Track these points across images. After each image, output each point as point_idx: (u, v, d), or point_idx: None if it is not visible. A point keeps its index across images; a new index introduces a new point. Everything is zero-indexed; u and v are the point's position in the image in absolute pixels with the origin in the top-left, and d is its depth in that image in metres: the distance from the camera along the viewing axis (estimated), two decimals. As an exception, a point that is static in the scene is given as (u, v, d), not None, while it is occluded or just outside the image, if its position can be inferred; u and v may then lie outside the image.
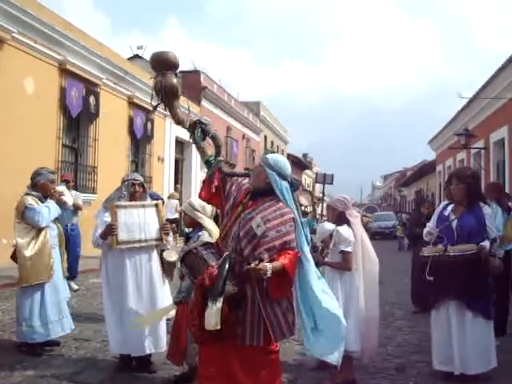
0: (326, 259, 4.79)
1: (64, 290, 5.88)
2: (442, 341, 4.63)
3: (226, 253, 3.30)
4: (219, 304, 3.08)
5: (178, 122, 3.77)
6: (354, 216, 4.91)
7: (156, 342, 4.90)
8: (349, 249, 4.66)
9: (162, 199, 6.73)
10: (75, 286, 9.23)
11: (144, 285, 4.91)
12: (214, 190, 3.68)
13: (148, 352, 4.88)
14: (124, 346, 4.86)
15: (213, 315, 3.07)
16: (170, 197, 17.04)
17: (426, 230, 5.00)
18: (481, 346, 4.48)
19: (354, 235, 4.75)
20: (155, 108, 3.92)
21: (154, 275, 5.00)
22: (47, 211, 5.48)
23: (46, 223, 5.48)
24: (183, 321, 4.33)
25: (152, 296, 4.93)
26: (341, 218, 4.83)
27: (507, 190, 12.79)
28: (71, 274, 9.24)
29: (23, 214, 5.42)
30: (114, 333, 4.90)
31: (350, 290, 4.69)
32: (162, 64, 3.69)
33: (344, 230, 4.71)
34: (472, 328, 4.44)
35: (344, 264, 4.69)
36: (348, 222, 4.80)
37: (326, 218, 6.43)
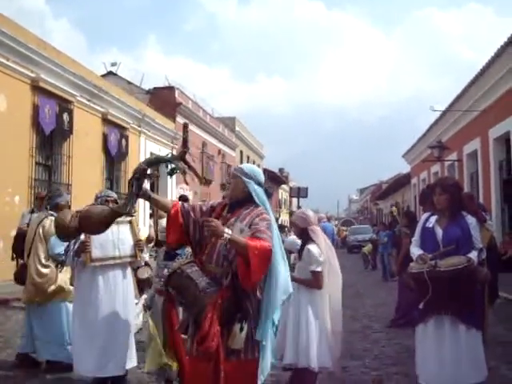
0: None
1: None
2: (429, 356, 4.41)
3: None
4: (246, 329, 3.26)
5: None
6: (317, 232, 4.83)
7: (127, 360, 4.79)
8: (319, 268, 4.63)
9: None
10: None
11: (117, 302, 4.83)
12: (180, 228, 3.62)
13: (121, 371, 4.78)
14: (92, 367, 4.69)
15: (240, 339, 3.24)
16: (161, 217, 16.79)
17: (414, 250, 4.63)
18: (475, 357, 4.31)
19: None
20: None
21: (127, 293, 4.94)
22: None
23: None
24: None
25: (124, 314, 4.85)
26: (304, 235, 4.81)
27: (481, 201, 12.97)
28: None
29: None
30: (81, 354, 4.74)
31: (321, 308, 4.62)
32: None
33: (314, 248, 4.65)
34: (467, 341, 4.28)
35: (315, 283, 4.63)
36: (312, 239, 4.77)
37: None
